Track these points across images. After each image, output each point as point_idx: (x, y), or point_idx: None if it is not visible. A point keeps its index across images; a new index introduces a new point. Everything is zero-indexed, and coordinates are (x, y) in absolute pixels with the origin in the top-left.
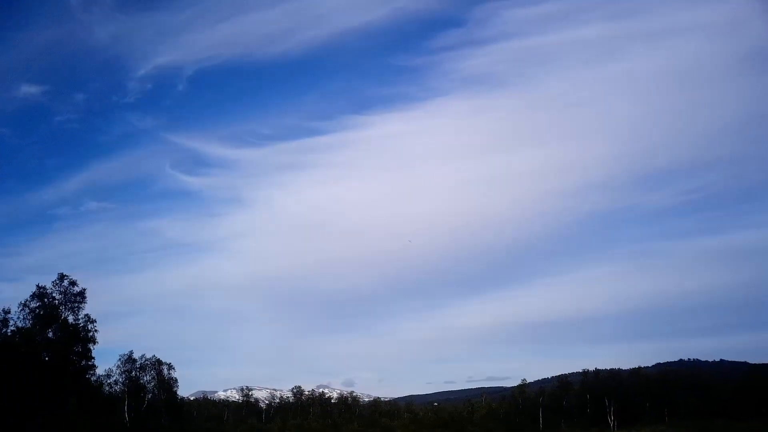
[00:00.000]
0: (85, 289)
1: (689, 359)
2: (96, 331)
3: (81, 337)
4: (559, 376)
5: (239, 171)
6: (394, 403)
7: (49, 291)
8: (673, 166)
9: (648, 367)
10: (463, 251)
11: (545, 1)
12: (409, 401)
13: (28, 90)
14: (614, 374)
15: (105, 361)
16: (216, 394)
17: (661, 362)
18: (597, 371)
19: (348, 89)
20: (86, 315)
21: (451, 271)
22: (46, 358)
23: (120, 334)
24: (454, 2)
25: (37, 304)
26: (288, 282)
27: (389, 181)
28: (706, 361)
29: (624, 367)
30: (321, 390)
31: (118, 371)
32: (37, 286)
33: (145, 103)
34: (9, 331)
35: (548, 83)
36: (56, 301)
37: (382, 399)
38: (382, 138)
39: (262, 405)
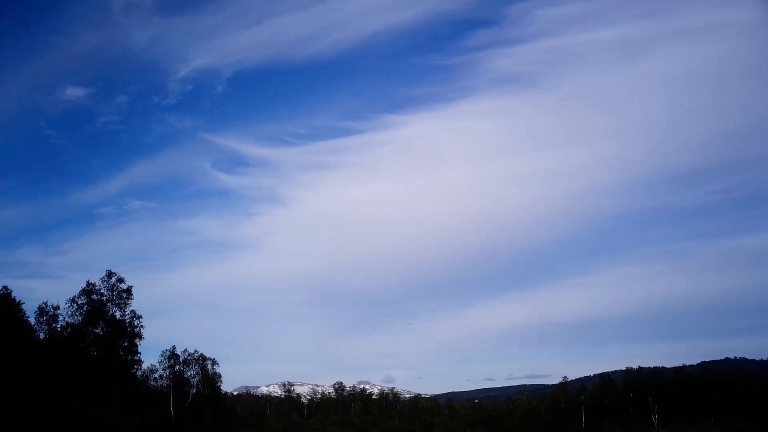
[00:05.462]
0: (131, 287)
1: (736, 357)
2: (142, 326)
3: (127, 333)
4: (601, 374)
5: (275, 170)
6: (434, 399)
7: (97, 287)
8: (705, 166)
9: (693, 365)
10: (496, 250)
11: (577, 0)
12: (449, 398)
13: (74, 93)
14: (658, 372)
15: (144, 356)
16: (258, 389)
17: (707, 361)
18: (640, 369)
19: (380, 89)
20: (132, 311)
21: (485, 270)
22: (94, 353)
23: (160, 330)
24: (485, 2)
25: (85, 300)
26: (324, 280)
27: (423, 179)
28: (754, 360)
29: (668, 366)
30: (362, 386)
31: (161, 366)
32: (87, 282)
33: (185, 104)
34: (59, 326)
35: (579, 82)
36: (104, 298)
37: (422, 396)
38: (415, 137)
39: (304, 400)
